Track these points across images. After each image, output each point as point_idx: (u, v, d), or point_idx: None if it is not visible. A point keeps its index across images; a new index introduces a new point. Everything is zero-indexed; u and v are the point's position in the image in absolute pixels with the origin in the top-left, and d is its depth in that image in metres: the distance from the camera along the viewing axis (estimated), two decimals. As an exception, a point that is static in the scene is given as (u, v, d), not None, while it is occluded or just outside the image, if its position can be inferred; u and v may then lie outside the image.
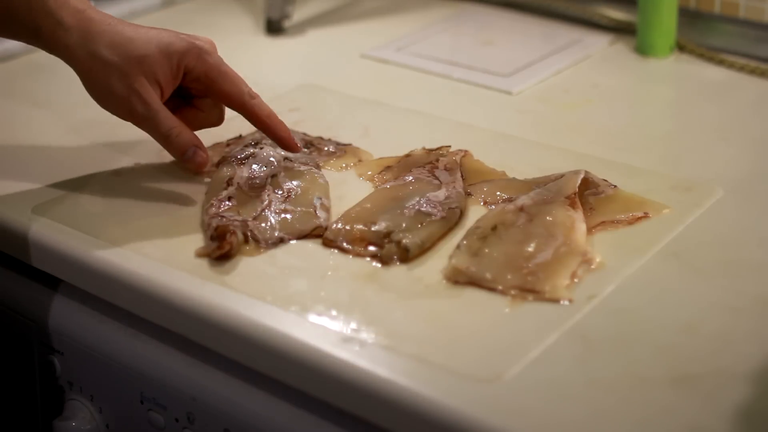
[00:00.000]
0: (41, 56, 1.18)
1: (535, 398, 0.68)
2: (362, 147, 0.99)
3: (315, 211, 0.87)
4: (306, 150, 0.97)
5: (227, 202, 0.87)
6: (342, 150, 0.98)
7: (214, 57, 0.90)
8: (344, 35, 1.28)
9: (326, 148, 0.98)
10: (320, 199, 0.89)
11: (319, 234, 0.85)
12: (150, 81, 0.88)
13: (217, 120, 0.94)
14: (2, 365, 0.97)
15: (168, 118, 0.89)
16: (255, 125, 0.92)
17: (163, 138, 0.89)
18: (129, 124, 0.90)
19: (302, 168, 0.93)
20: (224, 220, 0.85)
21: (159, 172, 0.95)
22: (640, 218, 0.86)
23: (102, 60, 0.87)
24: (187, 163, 0.90)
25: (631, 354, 0.72)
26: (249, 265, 0.82)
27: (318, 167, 0.94)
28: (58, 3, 0.87)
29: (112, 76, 0.87)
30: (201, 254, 0.83)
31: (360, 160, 0.97)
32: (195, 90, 0.92)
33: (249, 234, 0.84)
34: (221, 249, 0.82)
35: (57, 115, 1.07)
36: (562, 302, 0.76)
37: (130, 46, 0.87)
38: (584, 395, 0.68)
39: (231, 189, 0.89)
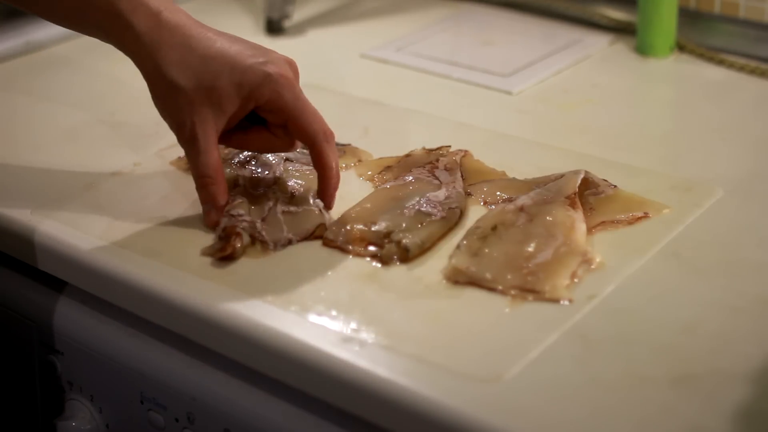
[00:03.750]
0: (41, 56, 1.19)
1: (535, 398, 0.68)
2: (362, 147, 0.98)
3: (317, 211, 0.87)
4: (305, 150, 0.97)
5: (236, 200, 0.87)
6: (342, 150, 0.98)
7: (289, 91, 0.83)
8: (344, 35, 1.28)
9: (326, 148, 0.98)
10: (322, 199, 0.89)
11: (321, 234, 0.85)
12: (215, 111, 0.83)
13: (289, 146, 0.88)
14: (2, 365, 0.97)
15: (205, 165, 0.84)
16: (315, 167, 0.87)
17: (194, 178, 0.85)
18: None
19: (304, 168, 0.93)
20: (234, 219, 0.85)
21: (159, 172, 0.95)
22: (640, 218, 0.86)
23: (168, 80, 0.82)
24: (203, 212, 0.86)
25: (630, 354, 0.72)
26: (249, 265, 0.82)
27: (318, 167, 0.94)
28: (132, 5, 0.82)
29: (177, 98, 0.82)
30: (206, 253, 0.83)
31: (360, 160, 0.97)
32: (268, 117, 0.86)
33: (257, 236, 0.84)
34: (223, 251, 0.82)
35: (57, 115, 1.07)
36: (562, 302, 0.76)
37: (201, 70, 0.82)
38: (584, 395, 0.68)
39: (238, 188, 0.89)
